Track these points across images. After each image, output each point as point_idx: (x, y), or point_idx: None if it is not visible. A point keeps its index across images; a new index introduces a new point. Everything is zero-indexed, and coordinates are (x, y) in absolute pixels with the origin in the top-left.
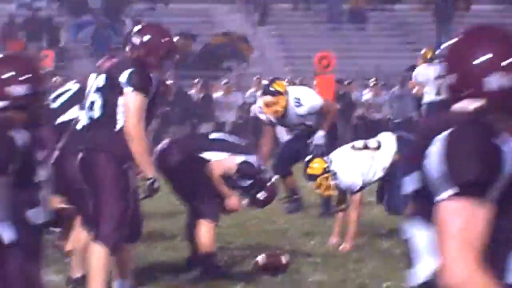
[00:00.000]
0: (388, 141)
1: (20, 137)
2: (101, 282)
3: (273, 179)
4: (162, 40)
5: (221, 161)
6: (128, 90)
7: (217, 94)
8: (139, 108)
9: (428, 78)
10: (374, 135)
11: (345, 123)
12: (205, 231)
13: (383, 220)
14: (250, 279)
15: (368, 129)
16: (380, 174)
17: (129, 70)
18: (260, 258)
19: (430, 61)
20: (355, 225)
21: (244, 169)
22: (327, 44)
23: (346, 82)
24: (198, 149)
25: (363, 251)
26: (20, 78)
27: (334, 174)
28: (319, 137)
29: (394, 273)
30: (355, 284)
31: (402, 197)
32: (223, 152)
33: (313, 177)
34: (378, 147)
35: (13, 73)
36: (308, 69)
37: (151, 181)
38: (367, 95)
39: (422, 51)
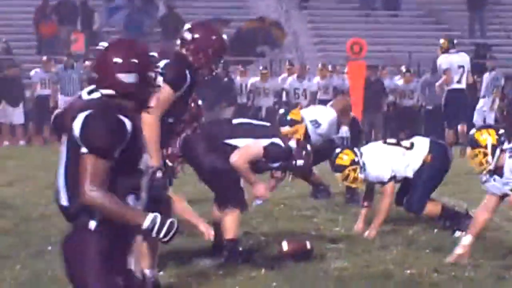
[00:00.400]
0: (421, 144)
1: (126, 122)
2: None
3: (308, 148)
4: (213, 38)
5: (246, 148)
6: (159, 79)
7: (253, 80)
8: (162, 99)
9: (452, 66)
10: (405, 121)
11: (376, 110)
12: (230, 217)
13: None
14: (274, 265)
15: (399, 115)
16: (409, 173)
17: (165, 61)
18: (285, 244)
19: (447, 51)
20: (384, 213)
21: (272, 152)
22: (359, 30)
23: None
24: (222, 136)
25: (388, 238)
26: (128, 66)
27: (363, 166)
28: (343, 132)
29: (418, 260)
30: (378, 270)
31: (423, 198)
32: (248, 137)
33: (340, 168)
34: (411, 148)
35: (121, 60)
36: (340, 55)
37: (153, 169)
38: (398, 81)
39: (441, 41)
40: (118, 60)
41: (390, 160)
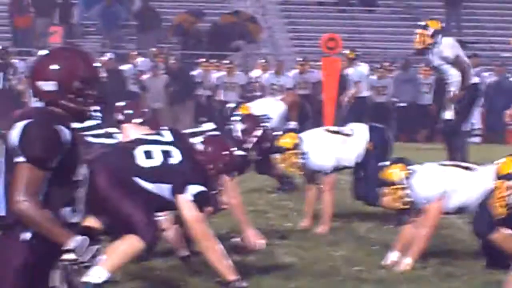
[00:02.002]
0: (360, 130)
1: (65, 132)
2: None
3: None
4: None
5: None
6: None
7: (219, 74)
8: None
9: (362, 76)
10: (376, 118)
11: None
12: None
13: (360, 204)
14: None
15: (371, 112)
16: (351, 161)
17: None
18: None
19: (353, 61)
20: (329, 207)
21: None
22: (335, 26)
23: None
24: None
25: (338, 234)
26: (47, 74)
27: (305, 153)
28: (293, 125)
29: (367, 257)
30: (326, 266)
31: (374, 186)
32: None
33: (281, 150)
34: (351, 134)
35: (42, 68)
36: (315, 50)
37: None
38: (372, 77)
39: (346, 52)
40: (38, 68)
41: (332, 149)
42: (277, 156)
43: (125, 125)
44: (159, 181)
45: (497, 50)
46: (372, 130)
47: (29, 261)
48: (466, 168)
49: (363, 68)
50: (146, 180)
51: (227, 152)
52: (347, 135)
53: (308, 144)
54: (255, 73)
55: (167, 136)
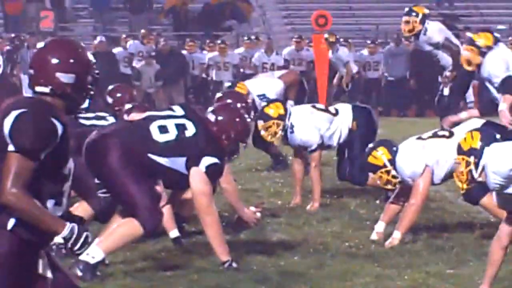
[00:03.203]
0: (345, 110)
1: (58, 125)
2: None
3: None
4: (236, 121)
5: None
6: None
7: (211, 54)
8: None
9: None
10: (368, 94)
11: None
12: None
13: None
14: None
15: (363, 87)
16: (336, 139)
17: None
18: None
19: (333, 44)
20: (318, 183)
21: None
22: (327, 3)
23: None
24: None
25: (328, 211)
26: (68, 67)
27: (290, 126)
28: (289, 105)
29: (358, 232)
30: (317, 243)
31: (358, 166)
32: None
33: (265, 117)
34: (336, 114)
35: (62, 60)
36: (307, 28)
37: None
38: (363, 52)
39: (326, 36)
40: (58, 59)
41: (319, 125)
42: (260, 122)
43: (132, 115)
44: (174, 155)
45: (489, 23)
46: (356, 110)
47: (14, 249)
48: (444, 136)
49: (344, 51)
50: (161, 155)
51: (238, 120)
52: (333, 114)
53: (295, 118)
54: (239, 50)
55: (178, 110)
